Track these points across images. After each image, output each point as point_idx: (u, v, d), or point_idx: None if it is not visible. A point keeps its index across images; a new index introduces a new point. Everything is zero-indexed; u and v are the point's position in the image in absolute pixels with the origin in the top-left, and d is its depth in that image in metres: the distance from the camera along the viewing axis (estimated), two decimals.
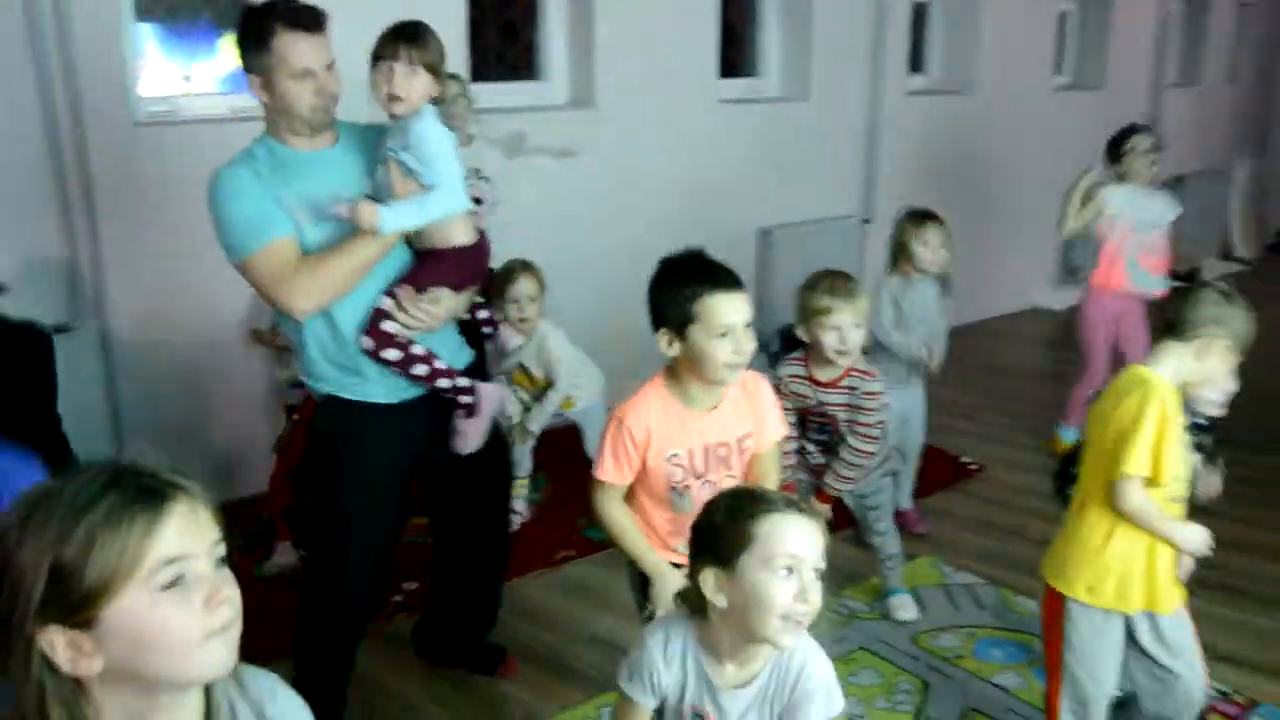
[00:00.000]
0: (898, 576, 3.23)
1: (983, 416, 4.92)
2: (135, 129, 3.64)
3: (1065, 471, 2.90)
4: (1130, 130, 4.35)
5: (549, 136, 4.57)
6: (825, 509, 2.85)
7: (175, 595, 1.04)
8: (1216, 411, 2.31)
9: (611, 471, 2.12)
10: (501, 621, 2.97)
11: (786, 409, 2.67)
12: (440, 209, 2.29)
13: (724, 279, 2.07)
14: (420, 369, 2.39)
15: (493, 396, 2.56)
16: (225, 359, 3.88)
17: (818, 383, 2.88)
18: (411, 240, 2.41)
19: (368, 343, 2.35)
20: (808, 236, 5.40)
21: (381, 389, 2.40)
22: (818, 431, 2.93)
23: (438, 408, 2.48)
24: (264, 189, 2.29)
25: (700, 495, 2.10)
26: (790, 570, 1.50)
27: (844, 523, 3.23)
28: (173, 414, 3.84)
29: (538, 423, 3.61)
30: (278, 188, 2.30)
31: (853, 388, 2.84)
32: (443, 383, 2.44)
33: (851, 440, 2.85)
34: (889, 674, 2.90)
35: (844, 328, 2.76)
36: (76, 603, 1.02)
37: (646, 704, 1.67)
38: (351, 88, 2.39)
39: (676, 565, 2.13)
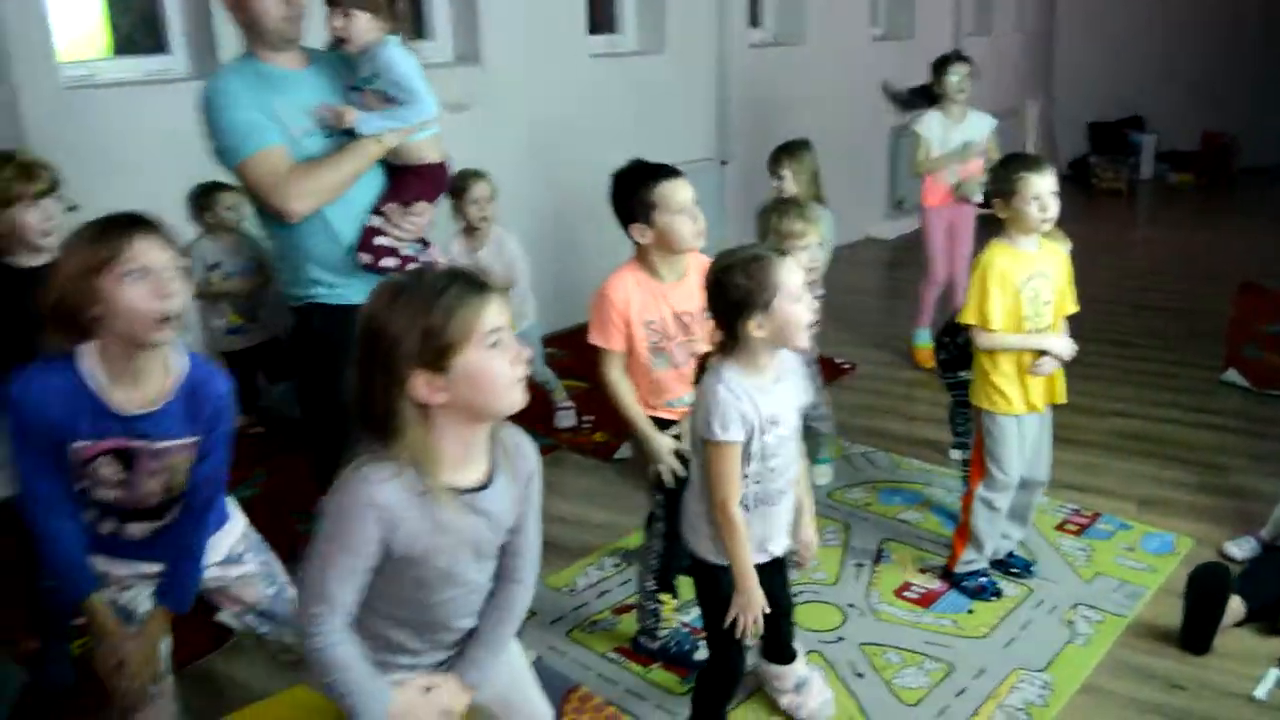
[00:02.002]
0: (822, 451, 3.74)
1: (843, 327, 5.56)
2: (60, 94, 3.78)
3: (938, 341, 3.55)
4: (951, 56, 4.96)
5: (441, 91, 4.88)
6: None
7: (497, 352, 1.50)
8: None
9: (610, 338, 2.56)
10: None
11: None
12: (414, 117, 2.58)
13: (669, 170, 2.55)
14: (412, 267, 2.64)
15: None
16: None
17: None
18: (389, 160, 2.62)
19: (366, 258, 2.59)
20: None
21: (362, 293, 2.68)
22: None
23: None
24: (254, 99, 2.48)
25: (677, 355, 2.58)
26: (800, 298, 2.02)
27: None
28: None
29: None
30: (267, 100, 2.50)
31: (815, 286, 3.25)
32: None
33: None
34: (817, 522, 3.45)
35: (812, 248, 3.17)
36: (436, 355, 1.47)
37: (740, 440, 2.06)
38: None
39: (655, 420, 2.60)
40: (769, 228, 3.19)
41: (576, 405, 4.39)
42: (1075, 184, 9.96)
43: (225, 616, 2.72)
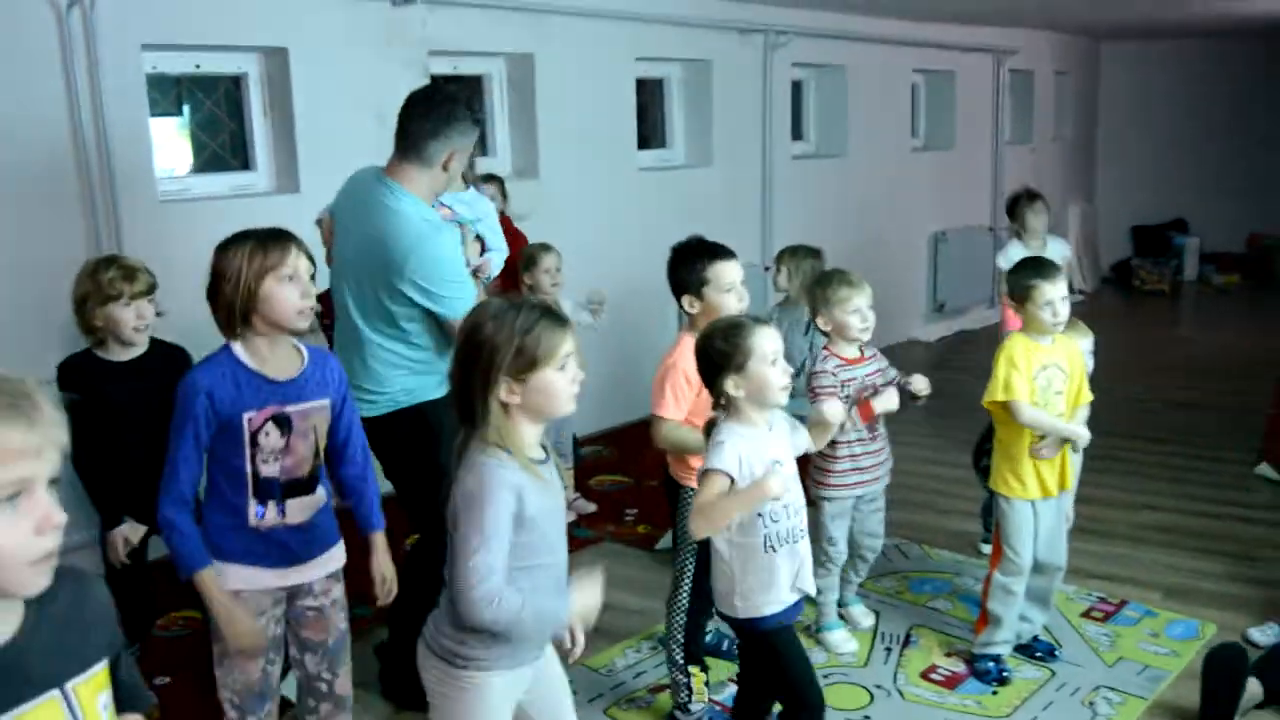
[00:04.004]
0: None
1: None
2: (156, 206, 4.17)
3: (980, 448, 3.73)
4: (1024, 196, 5.01)
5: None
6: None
7: (564, 373, 1.88)
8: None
9: (671, 408, 2.77)
10: None
11: (845, 397, 3.22)
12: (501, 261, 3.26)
13: (723, 251, 2.82)
14: None
15: None
16: None
17: (851, 361, 3.30)
18: None
19: None
20: None
21: None
22: None
23: None
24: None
25: None
26: (775, 361, 2.27)
27: None
28: None
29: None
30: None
31: (875, 355, 3.39)
32: None
33: None
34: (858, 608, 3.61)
35: (862, 309, 3.24)
36: (522, 369, 1.86)
37: (728, 470, 2.25)
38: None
39: None
40: (817, 299, 3.31)
41: (609, 499, 4.74)
42: (1117, 286, 10.12)
43: (286, 688, 2.90)
